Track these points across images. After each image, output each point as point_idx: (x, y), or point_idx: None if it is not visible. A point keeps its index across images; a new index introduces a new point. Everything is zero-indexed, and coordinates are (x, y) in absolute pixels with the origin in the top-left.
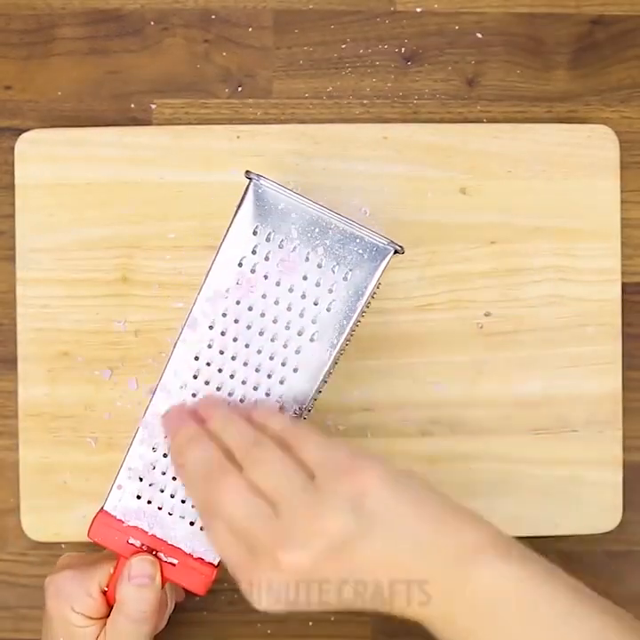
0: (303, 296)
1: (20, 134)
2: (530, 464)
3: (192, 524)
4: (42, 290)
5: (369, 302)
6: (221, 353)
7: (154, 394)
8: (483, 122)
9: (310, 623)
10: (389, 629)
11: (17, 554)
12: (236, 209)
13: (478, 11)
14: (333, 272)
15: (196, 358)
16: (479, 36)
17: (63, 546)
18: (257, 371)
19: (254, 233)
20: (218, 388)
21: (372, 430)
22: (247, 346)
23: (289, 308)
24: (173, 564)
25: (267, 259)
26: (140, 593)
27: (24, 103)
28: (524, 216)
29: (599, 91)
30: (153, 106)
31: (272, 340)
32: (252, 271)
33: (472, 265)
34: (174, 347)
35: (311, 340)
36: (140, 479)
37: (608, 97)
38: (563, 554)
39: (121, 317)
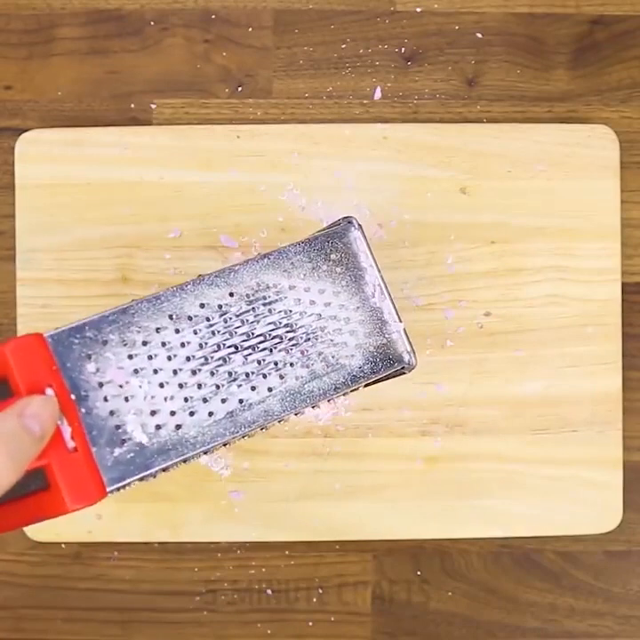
0: (322, 327)
1: (20, 134)
2: (530, 464)
3: (118, 427)
4: (42, 290)
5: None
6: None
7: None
8: (483, 122)
9: (310, 623)
10: (389, 629)
11: (17, 554)
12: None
13: (478, 11)
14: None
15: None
16: (479, 35)
17: (63, 546)
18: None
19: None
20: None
21: (372, 430)
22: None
23: (308, 333)
24: (69, 451)
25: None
26: (21, 435)
27: (24, 103)
28: (524, 216)
29: (599, 91)
30: (153, 106)
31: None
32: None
33: (472, 265)
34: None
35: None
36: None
37: (608, 97)
38: (563, 554)
39: None
